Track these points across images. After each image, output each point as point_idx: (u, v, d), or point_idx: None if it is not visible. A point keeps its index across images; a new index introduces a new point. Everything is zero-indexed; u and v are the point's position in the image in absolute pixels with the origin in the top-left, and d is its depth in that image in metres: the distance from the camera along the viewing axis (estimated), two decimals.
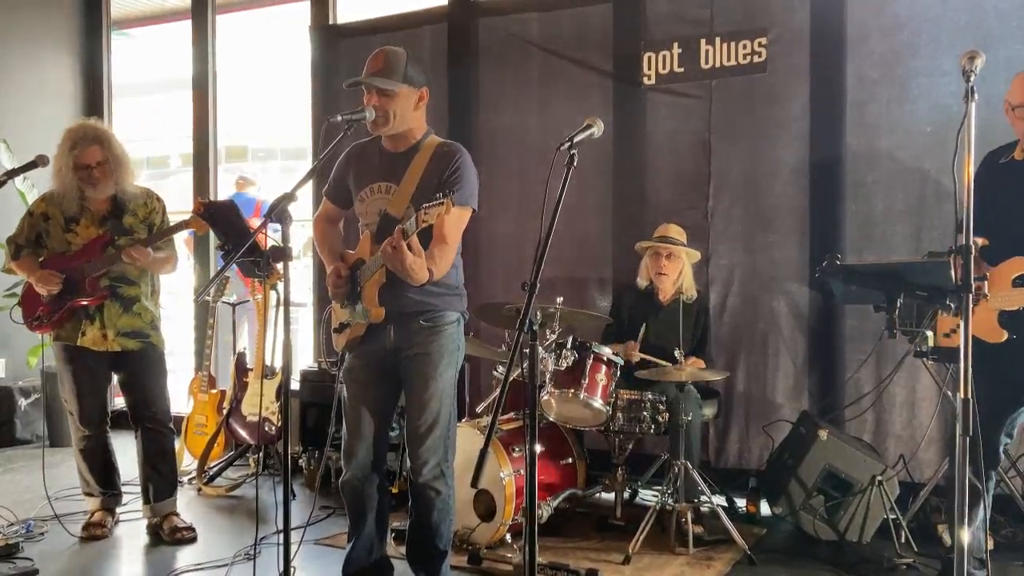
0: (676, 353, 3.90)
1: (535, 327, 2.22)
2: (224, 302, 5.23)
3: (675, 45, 4.66)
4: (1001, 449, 3.22)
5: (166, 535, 3.95)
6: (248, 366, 4.95)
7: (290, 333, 2.71)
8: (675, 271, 4.28)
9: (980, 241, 3.10)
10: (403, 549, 3.13)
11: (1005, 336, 3.02)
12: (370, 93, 2.85)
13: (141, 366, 3.97)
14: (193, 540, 3.94)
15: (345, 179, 3.07)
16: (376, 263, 2.84)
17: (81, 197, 3.87)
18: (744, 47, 4.50)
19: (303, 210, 4.12)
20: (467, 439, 3.67)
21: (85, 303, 3.84)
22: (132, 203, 3.94)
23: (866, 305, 3.84)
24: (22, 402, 6.12)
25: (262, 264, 3.11)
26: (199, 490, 4.79)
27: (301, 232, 6.78)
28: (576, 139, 2.35)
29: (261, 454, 4.87)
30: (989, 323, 3.01)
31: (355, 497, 3.05)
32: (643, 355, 4.14)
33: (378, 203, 2.94)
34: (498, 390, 3.33)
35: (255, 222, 4.15)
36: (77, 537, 3.95)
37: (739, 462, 4.62)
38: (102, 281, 3.86)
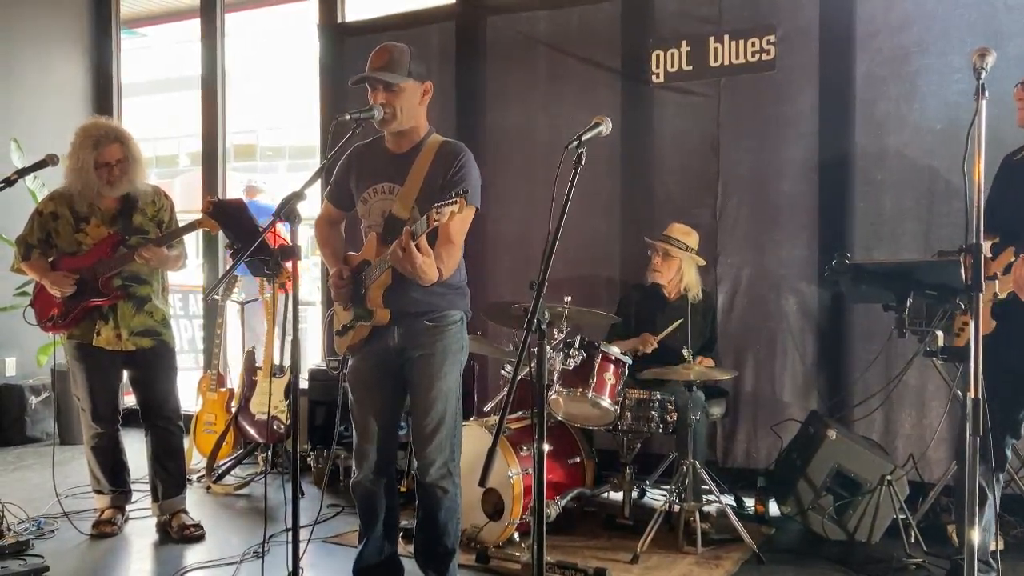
0: (684, 352, 3.90)
1: (543, 326, 2.21)
2: (233, 300, 5.25)
3: (683, 43, 4.65)
4: (1008, 451, 3.21)
5: (174, 533, 3.96)
6: (257, 364, 4.97)
7: (299, 332, 2.71)
8: (669, 271, 4.26)
9: (989, 242, 3.10)
10: (411, 548, 3.14)
11: (994, 325, 3.02)
12: (376, 90, 2.85)
13: (152, 364, 3.98)
14: (201, 538, 3.95)
15: (347, 181, 3.06)
16: (383, 265, 2.83)
17: (94, 196, 3.87)
18: (753, 45, 4.49)
19: (312, 209, 4.12)
20: (475, 438, 3.67)
21: (99, 303, 3.85)
22: (142, 201, 3.94)
23: (875, 304, 3.84)
24: (32, 400, 6.14)
25: (271, 263, 3.11)
26: (208, 488, 4.81)
27: (310, 231, 6.80)
28: (584, 137, 2.34)
29: (270, 452, 4.89)
30: (984, 314, 3.00)
31: (367, 498, 3.06)
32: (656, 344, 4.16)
33: (381, 204, 2.94)
34: (506, 389, 3.33)
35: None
36: (87, 534, 3.97)
37: (747, 461, 4.60)
38: (115, 281, 3.87)
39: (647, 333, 4.24)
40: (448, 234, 2.83)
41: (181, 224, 4.03)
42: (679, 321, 4.12)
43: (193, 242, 6.56)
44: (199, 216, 3.93)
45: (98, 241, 3.87)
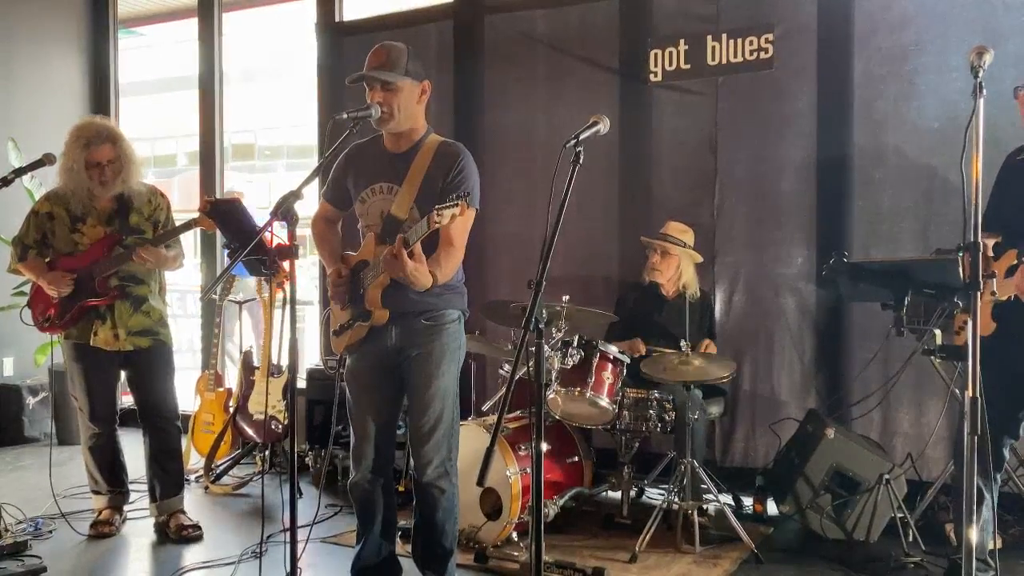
0: (682, 344, 3.89)
1: (541, 325, 2.21)
2: (231, 300, 5.24)
3: (682, 42, 4.65)
4: (1006, 451, 3.21)
5: (172, 533, 3.96)
6: (255, 364, 4.96)
7: (296, 331, 2.71)
8: (669, 269, 4.27)
9: (991, 241, 3.10)
10: (410, 547, 3.13)
11: (994, 327, 3.02)
12: (373, 89, 2.84)
13: (150, 364, 3.97)
14: (199, 539, 3.94)
15: (344, 180, 3.05)
16: (381, 266, 2.83)
17: (88, 196, 3.86)
18: (751, 43, 4.49)
19: (311, 208, 4.12)
20: (473, 437, 3.67)
21: (96, 303, 3.84)
22: (137, 201, 3.93)
23: (873, 303, 3.84)
24: (30, 400, 6.14)
25: (268, 263, 3.11)
26: (206, 488, 4.80)
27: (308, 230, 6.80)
28: (582, 136, 2.34)
29: (267, 452, 4.88)
30: (984, 316, 3.00)
31: (364, 498, 3.05)
32: (650, 347, 4.14)
33: (380, 204, 2.93)
34: (504, 388, 3.33)
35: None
36: (85, 535, 3.96)
37: (745, 461, 4.60)
38: (112, 281, 3.86)
39: (637, 339, 4.23)
40: (449, 236, 2.82)
41: (178, 223, 4.03)
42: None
43: (190, 241, 6.56)
44: (196, 215, 3.92)
45: (95, 241, 3.86)
